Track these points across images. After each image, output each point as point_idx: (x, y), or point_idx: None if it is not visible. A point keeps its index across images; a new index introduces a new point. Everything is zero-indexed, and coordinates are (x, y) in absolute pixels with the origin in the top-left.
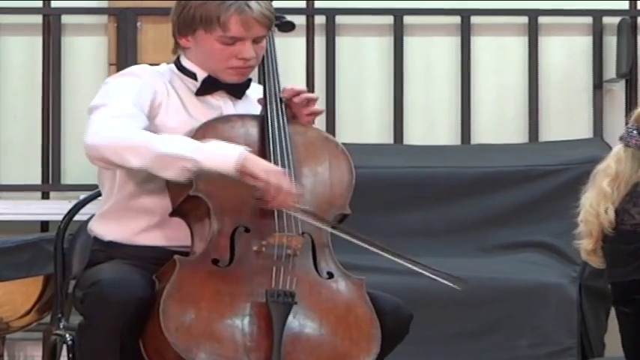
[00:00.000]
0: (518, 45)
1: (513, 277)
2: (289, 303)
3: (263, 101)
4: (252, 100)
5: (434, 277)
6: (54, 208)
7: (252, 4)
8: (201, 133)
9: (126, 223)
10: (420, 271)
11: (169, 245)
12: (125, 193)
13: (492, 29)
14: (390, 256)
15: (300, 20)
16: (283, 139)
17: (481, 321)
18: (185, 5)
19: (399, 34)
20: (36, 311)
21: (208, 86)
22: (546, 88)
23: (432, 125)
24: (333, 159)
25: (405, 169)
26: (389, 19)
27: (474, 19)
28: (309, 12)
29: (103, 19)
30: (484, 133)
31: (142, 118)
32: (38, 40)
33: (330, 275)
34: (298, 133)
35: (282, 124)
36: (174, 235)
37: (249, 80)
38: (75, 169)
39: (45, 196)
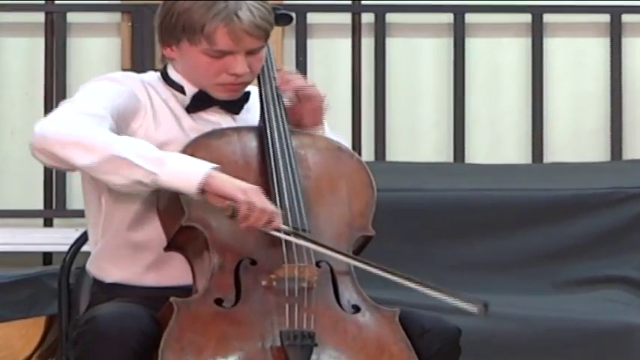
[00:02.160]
0: (598, 47)
1: (591, 318)
2: (309, 345)
3: (260, 109)
4: (256, 111)
5: (449, 299)
6: (58, 238)
7: (243, 12)
8: (191, 150)
9: (124, 263)
10: (429, 292)
11: (178, 284)
12: (115, 226)
13: (568, 29)
14: (396, 279)
15: (344, 19)
16: (286, 152)
17: None
18: (168, 10)
19: (459, 34)
20: (37, 357)
21: (199, 103)
22: (631, 97)
23: (498, 141)
24: (348, 172)
25: (467, 192)
26: (448, 18)
27: (547, 18)
28: (356, 9)
29: (116, 17)
30: (559, 149)
31: (108, 122)
32: (40, 42)
33: (356, 309)
34: (305, 146)
35: (283, 135)
36: (177, 272)
37: (247, 93)
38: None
39: (48, 223)
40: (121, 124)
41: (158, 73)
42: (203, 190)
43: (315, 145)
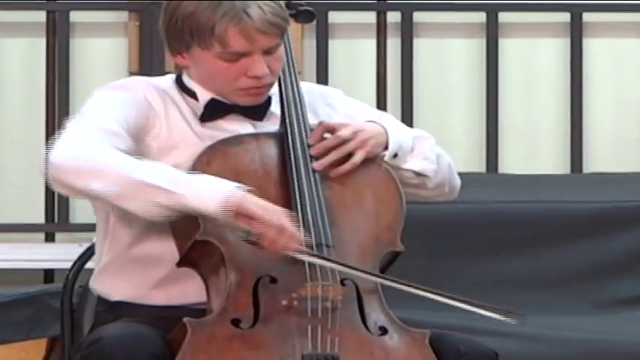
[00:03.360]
0: None
1: (635, 340)
2: None
3: (281, 113)
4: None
5: (482, 312)
6: (60, 254)
7: (252, 10)
8: (206, 159)
9: (132, 279)
10: (463, 306)
11: (189, 303)
12: (124, 238)
13: (610, 29)
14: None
15: (369, 18)
16: (309, 160)
17: None
18: (172, 15)
19: (492, 35)
20: None
21: (214, 110)
22: None
23: (533, 149)
24: (375, 182)
25: (500, 205)
26: (480, 17)
27: (587, 17)
28: (381, 7)
29: (123, 16)
30: (599, 159)
31: (123, 138)
32: (41, 43)
33: (384, 330)
34: None
35: (306, 142)
36: (192, 289)
37: (270, 98)
38: (86, 205)
39: (49, 238)
40: (137, 137)
41: (174, 77)
42: (228, 209)
43: None
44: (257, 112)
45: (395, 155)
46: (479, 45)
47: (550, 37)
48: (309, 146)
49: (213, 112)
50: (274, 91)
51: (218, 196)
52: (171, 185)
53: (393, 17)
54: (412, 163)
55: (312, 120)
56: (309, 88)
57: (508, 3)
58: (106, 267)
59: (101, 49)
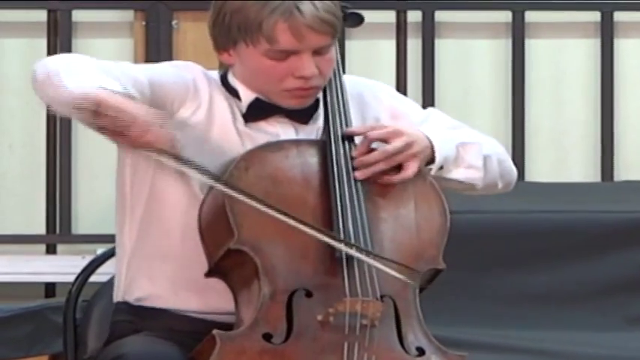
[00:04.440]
0: None
1: None
2: None
3: (324, 119)
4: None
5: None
6: (63, 266)
7: (304, 5)
8: (244, 164)
9: (159, 275)
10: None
11: (214, 313)
12: (150, 233)
13: None
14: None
15: (388, 17)
16: (351, 170)
17: None
18: (220, 10)
19: (518, 35)
20: None
21: (257, 112)
22: None
23: (562, 156)
24: (419, 195)
25: (527, 215)
26: (505, 16)
27: (619, 16)
28: (401, 6)
29: (128, 15)
30: (631, 166)
31: (141, 88)
32: (42, 44)
33: (421, 351)
34: None
35: (349, 151)
36: (219, 300)
37: (317, 101)
38: (90, 214)
39: (51, 249)
40: (163, 105)
41: (219, 73)
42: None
43: None
44: (302, 115)
45: (440, 167)
46: (504, 46)
47: (579, 38)
48: (353, 158)
49: (256, 112)
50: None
51: (77, 90)
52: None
53: (414, 17)
54: (457, 173)
55: (356, 114)
56: (356, 80)
57: (535, 2)
58: (130, 263)
59: (105, 50)
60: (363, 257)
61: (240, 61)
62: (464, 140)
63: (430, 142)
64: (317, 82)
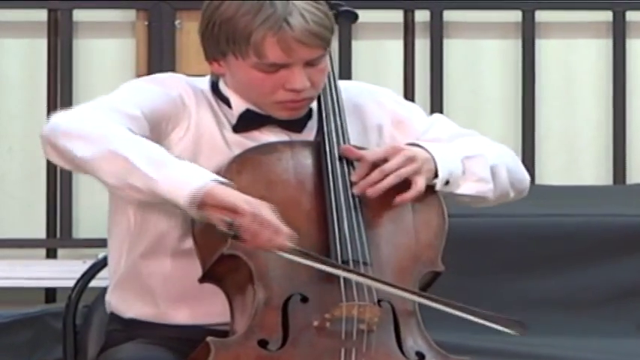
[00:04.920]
0: None
1: None
2: None
3: (318, 121)
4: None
5: (487, 323)
6: (63, 271)
7: (294, 18)
8: (237, 167)
9: (149, 295)
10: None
11: (210, 323)
12: (140, 250)
13: None
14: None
15: (395, 17)
16: (346, 172)
17: None
18: (209, 20)
19: (528, 35)
20: None
21: (248, 122)
22: None
23: (573, 159)
24: (417, 198)
25: (538, 219)
26: (515, 16)
27: (630, 16)
28: (408, 6)
29: (130, 15)
30: None
31: (139, 122)
32: (42, 44)
33: (420, 356)
34: None
35: (346, 167)
36: (215, 308)
37: (310, 110)
38: (90, 218)
39: (51, 254)
40: (159, 130)
41: (210, 80)
42: (200, 205)
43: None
44: (295, 124)
45: (447, 182)
46: (514, 46)
47: (591, 38)
48: (352, 184)
49: (247, 123)
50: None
51: (189, 186)
52: (148, 167)
53: (422, 16)
54: (466, 187)
55: (356, 123)
56: (358, 86)
57: (546, 1)
58: (120, 281)
59: (107, 50)
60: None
61: (230, 73)
62: (468, 153)
63: (432, 156)
64: (309, 93)
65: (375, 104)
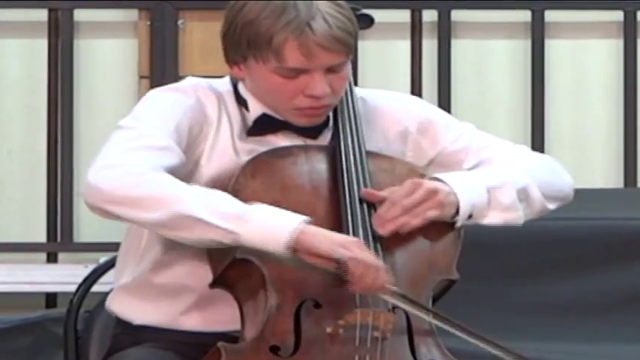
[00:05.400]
0: None
1: None
2: None
3: (333, 124)
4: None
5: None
6: (64, 275)
7: (317, 22)
8: (250, 171)
9: (159, 303)
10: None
11: (220, 330)
12: (152, 258)
13: None
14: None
15: (402, 17)
16: (361, 177)
17: None
18: (231, 23)
19: (538, 36)
20: None
21: (264, 126)
22: None
23: (584, 161)
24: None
25: (548, 222)
26: (524, 16)
27: None
28: (416, 6)
29: (132, 15)
30: None
31: (174, 153)
32: (42, 44)
33: None
34: (383, 170)
35: (359, 158)
36: (226, 315)
37: (328, 118)
38: (92, 222)
39: (52, 258)
40: (188, 146)
41: (231, 81)
42: (294, 250)
43: (394, 171)
44: (312, 130)
45: (470, 216)
46: (523, 47)
47: (602, 38)
48: (363, 160)
49: (262, 127)
50: None
51: (280, 233)
52: (226, 223)
53: (429, 16)
54: (493, 218)
55: (378, 130)
56: (382, 93)
57: (555, 1)
58: (128, 286)
59: (108, 51)
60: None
61: (249, 77)
62: (494, 182)
63: (452, 190)
64: (329, 100)
65: (401, 111)
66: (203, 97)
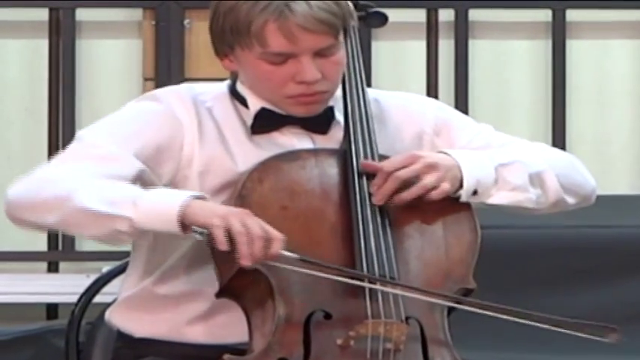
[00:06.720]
0: None
1: None
2: None
3: (344, 127)
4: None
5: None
6: (65, 286)
7: (297, 3)
8: (258, 176)
9: (162, 315)
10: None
11: (226, 343)
12: (155, 269)
13: None
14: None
15: (418, 16)
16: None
17: None
18: (214, 12)
19: (559, 36)
20: None
21: (266, 122)
22: None
23: (606, 166)
24: (447, 210)
25: (569, 230)
26: (545, 15)
27: None
28: (432, 5)
29: (136, 14)
30: None
31: (126, 162)
32: (43, 45)
33: None
34: None
35: (365, 184)
36: (228, 327)
37: (332, 109)
38: None
39: (53, 267)
40: (160, 154)
41: (229, 82)
42: (185, 225)
43: None
44: (318, 124)
45: (475, 192)
46: (544, 47)
47: (624, 38)
48: (371, 195)
49: (264, 123)
50: (337, 95)
51: (172, 214)
52: (118, 209)
53: (446, 15)
54: (499, 197)
55: (392, 132)
56: (400, 95)
57: (577, 0)
58: (131, 300)
59: (112, 52)
60: (394, 291)
61: (240, 68)
62: (503, 160)
63: (457, 163)
64: (322, 86)
65: (416, 112)
66: (173, 101)
